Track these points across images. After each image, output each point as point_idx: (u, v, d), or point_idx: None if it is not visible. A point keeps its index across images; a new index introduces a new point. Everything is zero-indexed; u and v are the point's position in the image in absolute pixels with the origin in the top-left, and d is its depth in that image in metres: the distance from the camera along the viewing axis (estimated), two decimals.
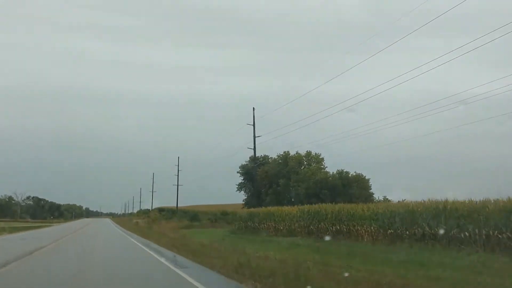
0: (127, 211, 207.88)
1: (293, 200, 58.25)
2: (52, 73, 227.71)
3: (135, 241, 27.33)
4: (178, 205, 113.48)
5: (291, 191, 56.95)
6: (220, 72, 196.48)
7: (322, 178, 52.42)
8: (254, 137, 52.88)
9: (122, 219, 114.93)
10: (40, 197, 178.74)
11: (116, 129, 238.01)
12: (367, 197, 52.90)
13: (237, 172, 70.60)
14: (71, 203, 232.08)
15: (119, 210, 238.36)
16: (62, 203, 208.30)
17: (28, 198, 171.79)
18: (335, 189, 52.50)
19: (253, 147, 52.86)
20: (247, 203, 68.89)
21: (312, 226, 26.45)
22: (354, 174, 54.00)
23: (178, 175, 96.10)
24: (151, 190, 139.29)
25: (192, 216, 54.79)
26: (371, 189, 54.16)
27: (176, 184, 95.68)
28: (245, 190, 70.57)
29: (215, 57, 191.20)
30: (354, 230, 22.03)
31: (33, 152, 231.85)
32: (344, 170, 54.20)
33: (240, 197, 70.76)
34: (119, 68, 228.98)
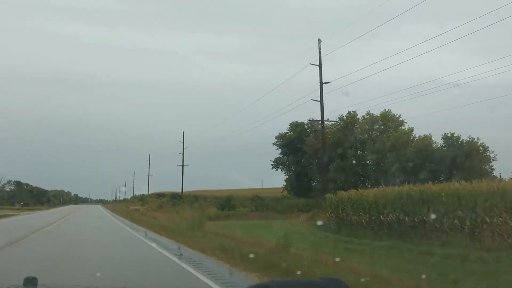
0: (118, 198, 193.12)
1: (365, 178, 40.80)
2: (40, 56, 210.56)
3: None
4: (177, 190, 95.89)
5: (367, 166, 39.33)
6: (212, 57, 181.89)
7: (426, 147, 34.87)
8: (321, 82, 35.07)
9: (116, 206, 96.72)
10: (30, 183, 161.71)
11: (106, 114, 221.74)
12: (486, 172, 35.64)
13: (273, 144, 52.81)
14: (58, 189, 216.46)
15: (109, 197, 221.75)
16: (49, 189, 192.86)
17: (9, 182, 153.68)
18: (442, 163, 35.12)
19: (319, 98, 35.08)
20: (290, 186, 51.15)
21: None
22: (469, 139, 36.51)
23: (183, 153, 78.52)
24: (147, 174, 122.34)
25: (223, 203, 37.15)
26: (493, 160, 36.74)
27: (181, 164, 78.35)
28: (283, 168, 52.79)
29: (208, 42, 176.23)
30: None
31: (19, 138, 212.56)
32: (455, 135, 36.71)
33: (253, 181, 53.20)
34: (108, 52, 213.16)
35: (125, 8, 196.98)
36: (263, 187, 76.63)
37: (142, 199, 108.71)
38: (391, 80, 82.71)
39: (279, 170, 52.81)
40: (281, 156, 52.63)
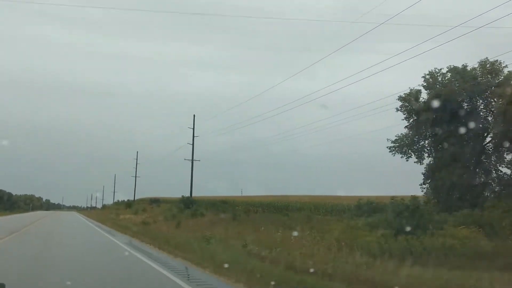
0: (93, 204, 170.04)
1: None
2: (12, 61, 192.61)
3: None
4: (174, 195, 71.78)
5: None
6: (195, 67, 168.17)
7: None
8: None
9: (98, 215, 70.85)
10: None
11: (81, 119, 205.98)
12: None
13: (397, 109, 29.48)
14: (29, 194, 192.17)
15: (83, 203, 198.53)
16: (20, 193, 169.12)
17: None
18: None
19: None
20: (438, 189, 27.60)
21: None
22: None
23: (193, 142, 54.48)
24: (134, 175, 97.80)
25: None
26: None
27: (190, 158, 54.29)
28: (412, 153, 29.55)
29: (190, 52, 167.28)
30: None
31: None
32: None
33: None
34: (86, 58, 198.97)
35: (111, 17, 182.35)
36: (243, 195, 56.21)
37: (129, 206, 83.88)
38: None
39: (403, 157, 29.56)
40: (409, 132, 29.40)
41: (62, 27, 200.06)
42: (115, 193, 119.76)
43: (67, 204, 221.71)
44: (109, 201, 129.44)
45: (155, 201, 74.13)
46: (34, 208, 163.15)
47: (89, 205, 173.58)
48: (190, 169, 53.53)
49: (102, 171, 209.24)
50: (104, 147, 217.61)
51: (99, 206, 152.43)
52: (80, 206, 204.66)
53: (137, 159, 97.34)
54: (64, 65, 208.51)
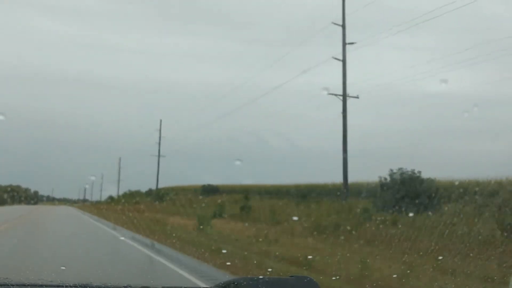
0: (87, 196, 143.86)
1: None
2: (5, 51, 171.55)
3: None
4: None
5: None
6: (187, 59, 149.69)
7: None
8: None
9: (108, 211, 40.30)
10: None
11: (76, 110, 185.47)
12: None
13: None
14: (14, 184, 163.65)
15: (75, 195, 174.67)
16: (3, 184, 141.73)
17: None
18: None
19: None
20: None
21: None
22: None
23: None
24: (157, 154, 69.26)
25: None
26: None
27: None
28: None
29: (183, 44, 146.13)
30: None
31: None
32: None
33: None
34: (80, 50, 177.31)
35: (102, 7, 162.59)
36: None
37: (160, 197, 54.31)
38: None
39: None
40: None
41: (60, 19, 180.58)
42: (119, 182, 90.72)
43: (57, 196, 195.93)
44: (108, 192, 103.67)
45: (213, 190, 44.21)
46: (19, 201, 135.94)
47: (83, 197, 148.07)
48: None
49: (99, 159, 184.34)
50: (98, 133, 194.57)
51: (94, 198, 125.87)
52: (71, 198, 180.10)
53: (160, 130, 67.86)
54: (58, 56, 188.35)
